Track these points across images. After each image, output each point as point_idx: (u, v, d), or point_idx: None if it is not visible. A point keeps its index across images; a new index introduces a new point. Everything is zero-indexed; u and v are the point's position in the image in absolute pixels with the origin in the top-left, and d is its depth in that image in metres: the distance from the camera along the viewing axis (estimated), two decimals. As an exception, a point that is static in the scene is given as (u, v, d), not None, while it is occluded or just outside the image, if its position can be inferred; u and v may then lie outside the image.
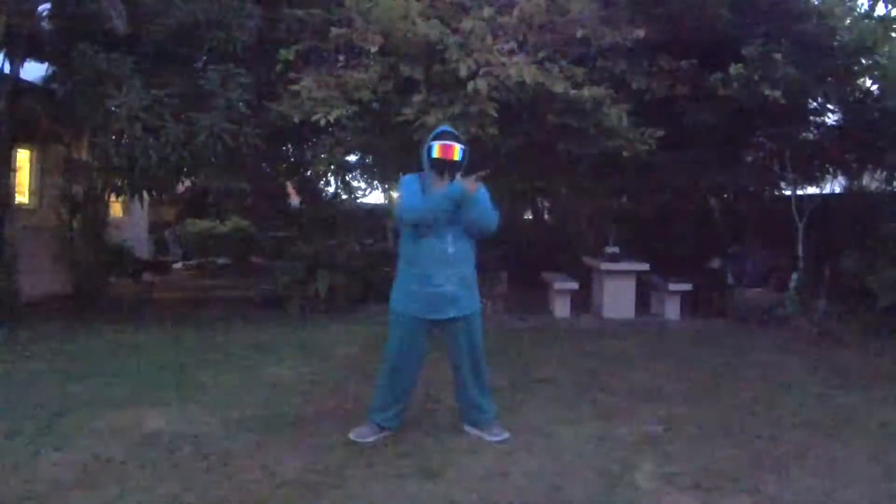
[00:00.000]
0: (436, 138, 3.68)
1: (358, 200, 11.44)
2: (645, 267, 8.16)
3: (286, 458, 3.44)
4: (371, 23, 6.24)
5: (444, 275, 3.61)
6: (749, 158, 8.67)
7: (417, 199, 3.63)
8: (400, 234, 3.84)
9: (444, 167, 3.64)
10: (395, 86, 6.55)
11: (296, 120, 6.62)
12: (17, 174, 8.19)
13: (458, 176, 3.66)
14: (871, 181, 9.14)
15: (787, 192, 8.83)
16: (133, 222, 11.92)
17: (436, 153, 3.63)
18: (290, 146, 9.46)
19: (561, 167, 8.21)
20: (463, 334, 3.71)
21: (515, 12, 6.29)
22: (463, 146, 3.69)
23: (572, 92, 6.21)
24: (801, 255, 8.06)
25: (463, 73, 5.98)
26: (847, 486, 3.19)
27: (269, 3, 7.53)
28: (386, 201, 12.51)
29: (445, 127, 3.94)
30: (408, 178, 3.76)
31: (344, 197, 10.55)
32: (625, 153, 6.90)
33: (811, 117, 8.44)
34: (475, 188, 3.58)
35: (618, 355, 6.00)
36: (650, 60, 7.12)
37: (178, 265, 13.23)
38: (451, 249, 3.62)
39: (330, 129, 7.29)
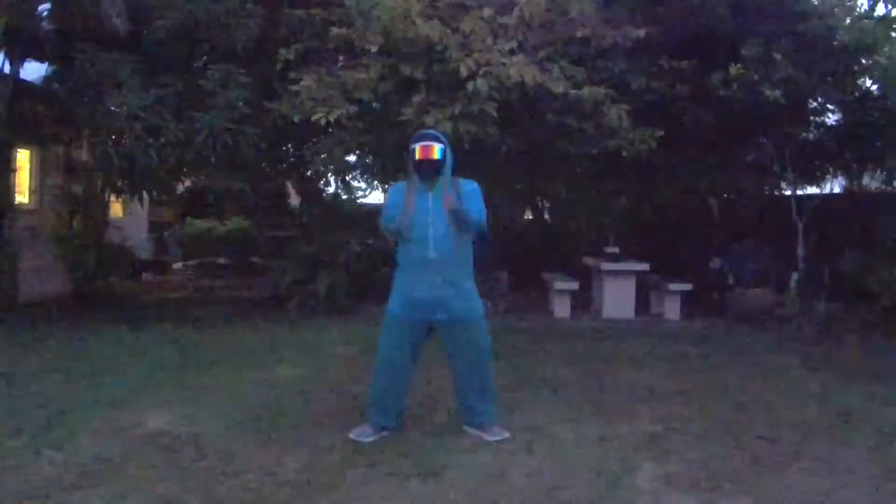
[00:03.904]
0: (416, 141, 3.71)
1: (358, 200, 11.42)
2: (645, 267, 8.15)
3: (286, 458, 3.45)
4: (371, 23, 6.24)
5: (427, 280, 3.64)
6: (749, 158, 8.67)
7: (395, 212, 3.70)
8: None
9: (428, 168, 3.66)
10: (395, 86, 6.54)
11: (296, 120, 6.62)
12: (17, 174, 8.21)
13: (442, 174, 3.68)
14: (871, 181, 9.15)
15: (787, 192, 8.84)
16: (133, 222, 11.90)
17: (417, 155, 3.66)
18: (290, 146, 9.46)
19: (561, 167, 8.21)
20: (463, 338, 3.72)
21: (515, 12, 6.27)
22: (443, 145, 3.70)
23: (572, 92, 6.21)
24: (801, 255, 8.06)
25: (463, 73, 5.97)
26: (847, 486, 3.19)
27: (269, 3, 7.54)
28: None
29: (426, 130, 4.01)
30: (394, 189, 3.91)
31: (344, 197, 10.54)
32: (625, 153, 6.90)
33: (811, 117, 8.44)
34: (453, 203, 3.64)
35: (618, 355, 6.00)
36: (650, 60, 7.11)
37: (178, 265, 13.22)
38: (432, 255, 3.64)
39: (330, 129, 7.29)
